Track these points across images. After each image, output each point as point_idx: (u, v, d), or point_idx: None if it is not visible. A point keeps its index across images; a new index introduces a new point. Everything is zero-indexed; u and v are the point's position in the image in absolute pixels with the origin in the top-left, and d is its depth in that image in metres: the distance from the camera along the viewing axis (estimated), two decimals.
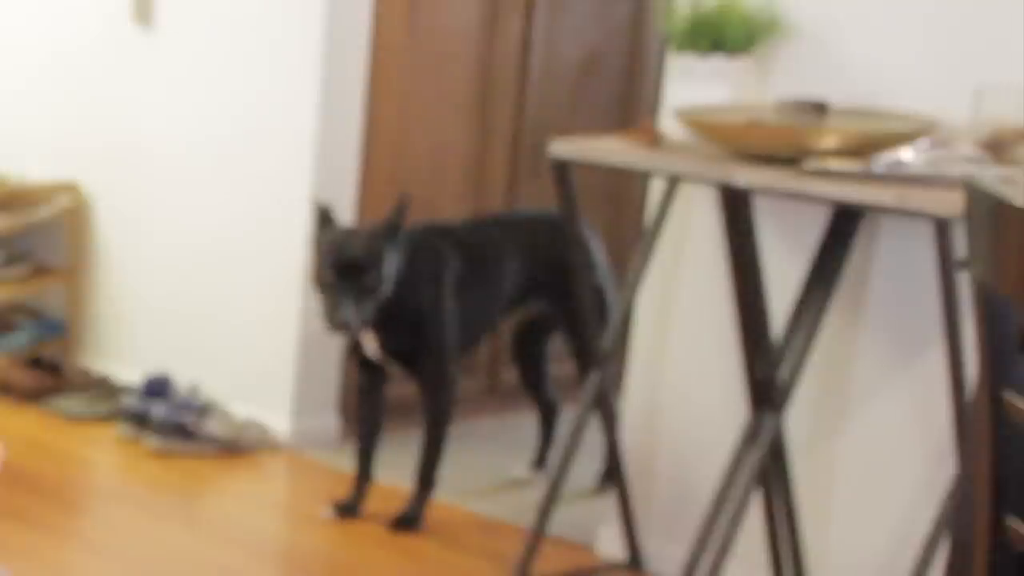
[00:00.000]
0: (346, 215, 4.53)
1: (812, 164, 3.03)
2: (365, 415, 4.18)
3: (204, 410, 4.60)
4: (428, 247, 4.08)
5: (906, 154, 3.05)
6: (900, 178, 3.00)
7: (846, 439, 3.59)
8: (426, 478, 4.11)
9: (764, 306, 3.35)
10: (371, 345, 4.06)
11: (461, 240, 4.17)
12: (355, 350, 4.13)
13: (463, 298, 4.12)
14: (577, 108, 5.20)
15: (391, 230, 3.91)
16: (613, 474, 3.87)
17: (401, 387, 4.32)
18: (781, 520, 3.51)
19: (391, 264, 3.90)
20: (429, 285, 4.05)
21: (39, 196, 5.09)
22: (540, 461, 4.59)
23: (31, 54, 5.24)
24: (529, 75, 5.06)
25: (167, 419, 4.56)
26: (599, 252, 4.35)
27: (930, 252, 3.26)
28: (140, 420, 4.63)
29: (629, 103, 5.30)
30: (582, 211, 3.63)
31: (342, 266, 3.84)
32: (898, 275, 3.47)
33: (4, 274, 5.05)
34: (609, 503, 3.98)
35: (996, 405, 1.87)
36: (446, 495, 4.28)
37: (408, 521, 4.09)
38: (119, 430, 4.68)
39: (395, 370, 4.13)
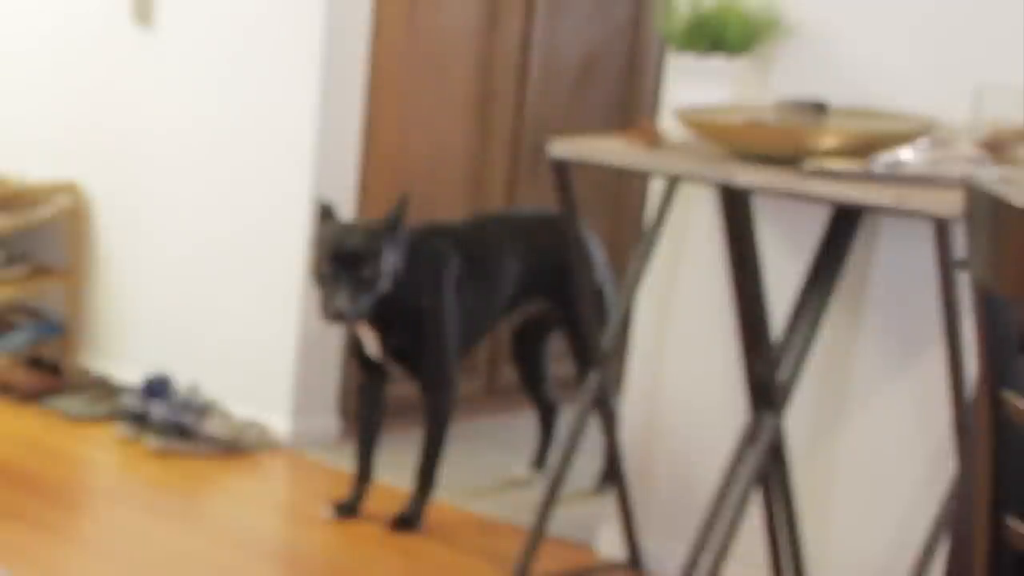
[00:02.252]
0: (346, 215, 4.53)
1: (812, 164, 3.03)
2: (365, 415, 4.18)
3: (204, 410, 4.60)
4: (429, 247, 4.08)
5: (906, 154, 3.05)
6: (900, 178, 3.00)
7: (846, 439, 3.58)
8: (426, 478, 4.11)
9: (764, 306, 3.35)
10: (372, 344, 4.06)
11: (461, 239, 4.18)
12: (356, 350, 4.14)
13: (464, 298, 4.12)
14: (577, 108, 5.20)
15: (391, 226, 3.92)
16: (613, 474, 3.87)
17: (401, 387, 4.32)
18: (781, 520, 3.51)
19: (390, 260, 3.91)
20: (430, 285, 4.05)
21: (39, 196, 5.09)
22: (540, 461, 4.59)
23: (31, 54, 5.24)
24: (529, 75, 5.06)
25: (167, 419, 4.57)
26: (598, 251, 4.35)
27: (930, 252, 3.26)
28: (140, 420, 4.63)
29: (629, 103, 5.30)
30: (582, 211, 3.63)
31: (340, 257, 3.86)
32: (898, 275, 3.47)
33: (4, 274, 5.05)
34: (609, 503, 3.98)
35: (996, 405, 1.87)
36: (446, 495, 4.28)
37: (408, 521, 4.09)
38: (119, 430, 4.68)
39: (396, 370, 4.13)
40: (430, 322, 4.05)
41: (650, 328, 3.88)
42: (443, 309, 4.06)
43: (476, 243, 4.21)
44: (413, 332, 4.04)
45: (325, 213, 3.98)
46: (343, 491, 4.22)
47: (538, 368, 4.58)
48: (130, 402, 4.67)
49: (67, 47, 5.14)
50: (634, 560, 3.90)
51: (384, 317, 3.99)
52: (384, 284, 3.91)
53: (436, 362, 4.07)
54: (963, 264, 2.95)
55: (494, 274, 4.22)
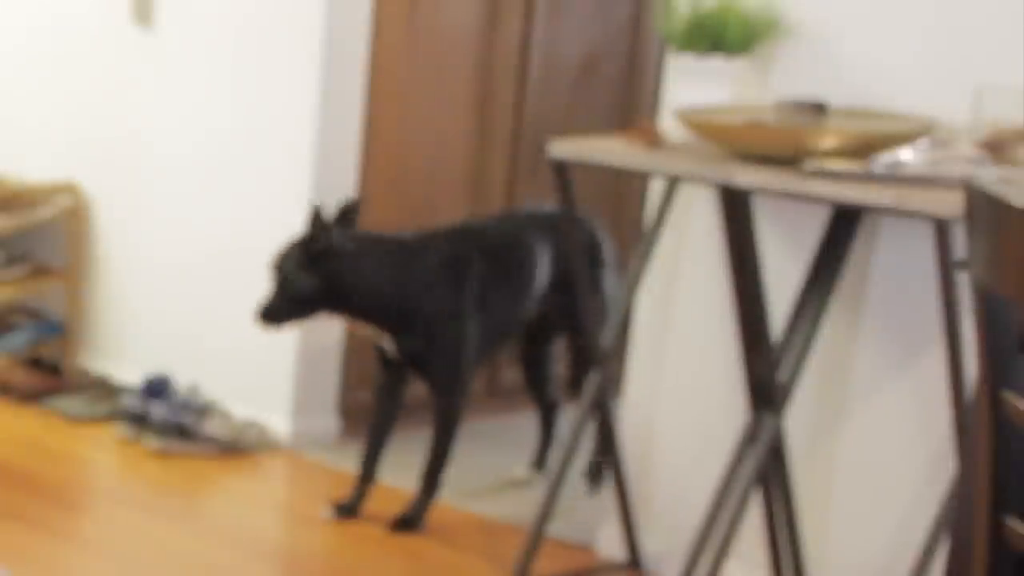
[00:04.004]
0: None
1: (812, 164, 3.03)
2: (379, 413, 4.16)
3: (204, 410, 4.60)
4: (450, 251, 4.07)
5: (906, 154, 3.05)
6: (900, 179, 3.00)
7: (846, 439, 3.58)
8: (431, 480, 4.11)
9: (764, 306, 3.35)
10: (389, 345, 4.07)
11: (486, 242, 4.15)
12: (379, 349, 4.14)
13: (484, 303, 4.10)
14: (577, 108, 5.20)
15: (311, 239, 3.97)
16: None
17: (407, 387, 4.31)
18: (781, 520, 3.51)
19: (301, 275, 3.95)
20: (447, 289, 4.03)
21: (39, 196, 5.09)
22: (540, 461, 4.59)
23: (31, 54, 5.24)
24: (529, 75, 5.06)
25: (167, 419, 4.57)
26: (611, 252, 4.32)
27: (930, 252, 3.26)
28: (140, 420, 4.63)
29: (629, 103, 5.30)
30: (582, 211, 3.63)
31: (272, 266, 4.02)
32: (898, 275, 3.47)
33: (4, 274, 5.05)
34: (609, 503, 3.98)
35: (996, 405, 1.87)
36: (446, 495, 4.28)
37: (409, 522, 4.09)
38: (119, 430, 4.68)
39: (410, 372, 4.13)
40: (444, 326, 4.04)
41: (650, 328, 3.88)
42: (460, 314, 4.05)
43: (501, 246, 4.18)
44: (427, 335, 4.04)
45: (315, 216, 3.98)
46: (343, 491, 4.22)
47: (543, 370, 4.58)
48: (130, 402, 4.67)
49: (67, 47, 5.14)
50: (634, 560, 3.90)
51: (399, 320, 4.00)
52: (296, 297, 3.97)
53: (448, 366, 4.06)
54: (963, 264, 2.94)
55: (518, 277, 4.20)
